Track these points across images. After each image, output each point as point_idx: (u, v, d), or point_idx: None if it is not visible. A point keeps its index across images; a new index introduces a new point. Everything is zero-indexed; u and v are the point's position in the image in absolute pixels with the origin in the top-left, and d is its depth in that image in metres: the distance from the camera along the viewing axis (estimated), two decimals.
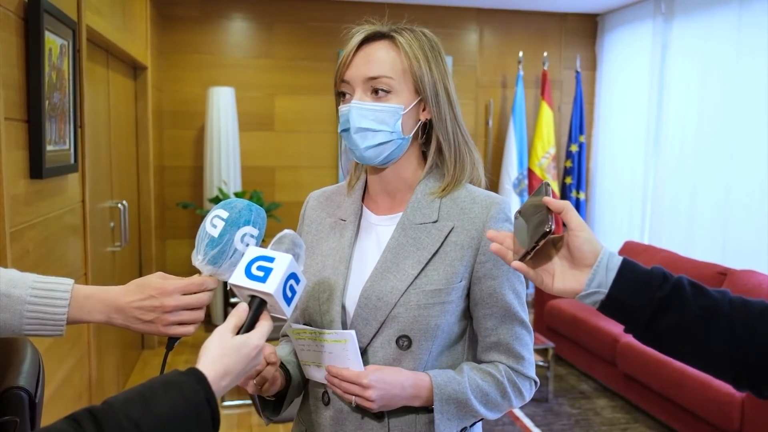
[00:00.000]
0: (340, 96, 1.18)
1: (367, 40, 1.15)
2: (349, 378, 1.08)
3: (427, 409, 1.14)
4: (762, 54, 3.98)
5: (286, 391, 1.19)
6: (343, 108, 1.16)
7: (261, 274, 0.90)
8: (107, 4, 3.26)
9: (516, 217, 0.94)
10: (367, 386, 1.06)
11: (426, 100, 1.15)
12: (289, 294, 0.92)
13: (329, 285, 1.16)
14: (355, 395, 1.08)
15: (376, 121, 1.12)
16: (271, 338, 1.24)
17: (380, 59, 1.13)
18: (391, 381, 1.08)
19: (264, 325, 0.89)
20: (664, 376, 3.37)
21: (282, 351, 1.26)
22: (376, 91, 1.13)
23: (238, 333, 0.87)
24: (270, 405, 1.20)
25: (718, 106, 4.40)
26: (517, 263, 0.88)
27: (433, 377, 1.11)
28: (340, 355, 1.09)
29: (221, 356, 0.83)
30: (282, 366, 1.19)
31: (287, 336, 1.33)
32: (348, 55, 1.15)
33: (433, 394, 1.10)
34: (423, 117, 1.17)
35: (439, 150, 1.19)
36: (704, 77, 4.55)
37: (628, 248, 4.66)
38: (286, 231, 0.99)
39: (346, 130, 1.15)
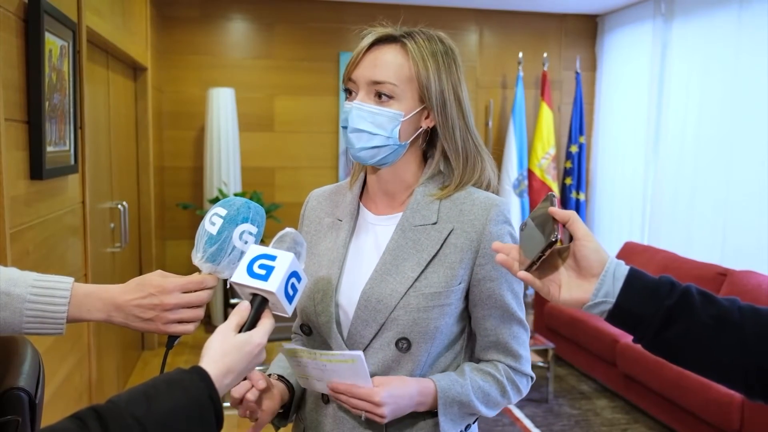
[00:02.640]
0: (347, 92, 1.18)
1: (378, 42, 1.15)
2: (360, 395, 1.07)
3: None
4: (762, 54, 3.98)
5: (291, 402, 1.20)
6: (346, 105, 1.16)
7: (263, 272, 0.90)
8: (107, 4, 3.26)
9: (522, 228, 0.94)
10: (380, 404, 1.06)
11: (430, 108, 1.15)
12: (291, 292, 0.92)
13: (323, 285, 1.16)
14: (366, 411, 1.07)
15: (374, 125, 1.12)
16: (272, 339, 1.24)
17: (387, 64, 1.12)
18: (401, 394, 1.08)
19: (266, 323, 0.90)
20: (664, 376, 3.37)
21: (282, 363, 1.26)
22: (379, 95, 1.13)
23: (240, 331, 0.88)
24: (277, 415, 1.20)
25: (718, 106, 4.40)
26: (523, 274, 0.87)
27: (437, 382, 1.12)
28: (346, 373, 1.07)
29: (224, 354, 0.83)
30: (283, 378, 1.20)
31: (292, 337, 1.33)
32: (357, 55, 1.15)
33: (436, 398, 1.11)
34: (425, 124, 1.17)
35: (445, 157, 1.19)
36: (704, 78, 4.55)
37: (628, 249, 4.66)
38: (287, 229, 1.00)
39: (346, 127, 1.15)
